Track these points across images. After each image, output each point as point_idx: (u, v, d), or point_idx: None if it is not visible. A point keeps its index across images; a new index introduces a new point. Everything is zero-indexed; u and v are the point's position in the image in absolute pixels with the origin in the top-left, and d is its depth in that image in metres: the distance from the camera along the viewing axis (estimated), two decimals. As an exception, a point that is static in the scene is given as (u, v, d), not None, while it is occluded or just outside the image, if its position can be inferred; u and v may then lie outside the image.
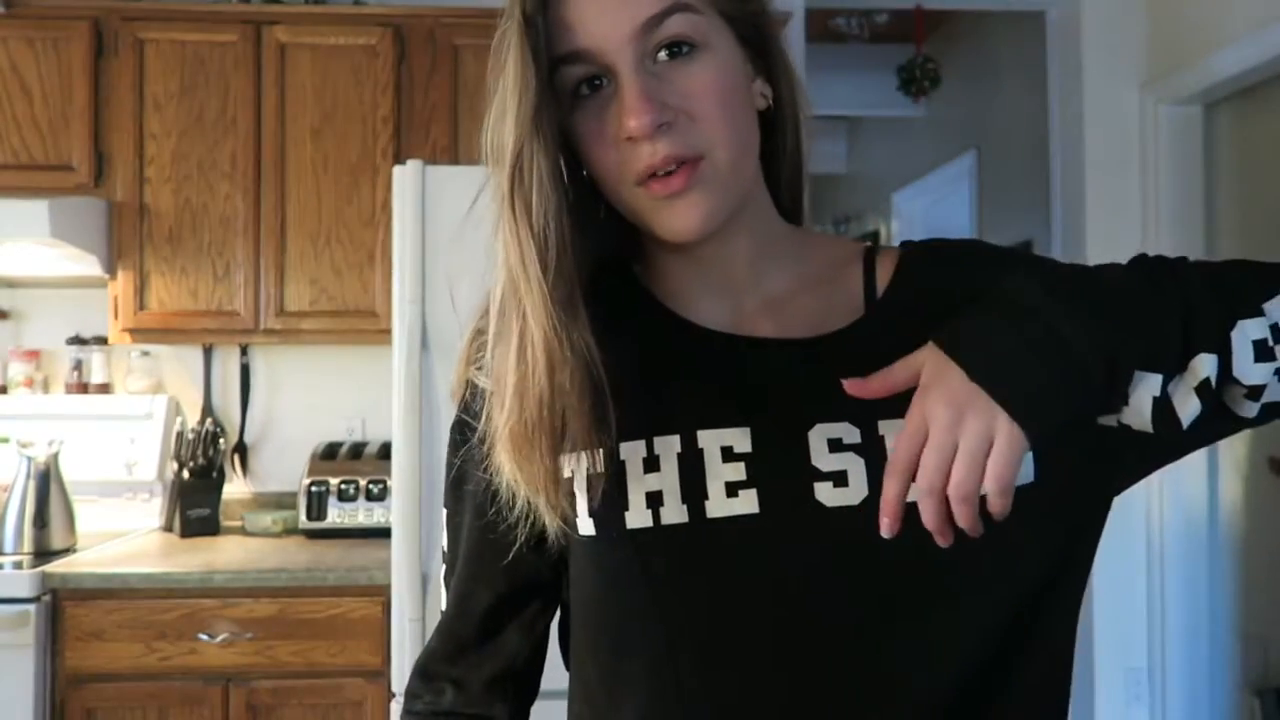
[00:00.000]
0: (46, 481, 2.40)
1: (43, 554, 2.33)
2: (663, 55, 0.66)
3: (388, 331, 2.38)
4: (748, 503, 0.68)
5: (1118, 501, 0.73)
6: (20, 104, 2.52)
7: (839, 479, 0.67)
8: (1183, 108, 2.80)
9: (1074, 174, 2.97)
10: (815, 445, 0.68)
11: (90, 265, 2.49)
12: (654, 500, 0.69)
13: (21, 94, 2.52)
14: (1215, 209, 2.83)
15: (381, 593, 2.20)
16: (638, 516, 0.69)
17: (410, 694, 0.82)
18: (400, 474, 1.99)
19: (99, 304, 2.67)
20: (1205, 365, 0.61)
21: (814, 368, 0.71)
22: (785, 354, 0.72)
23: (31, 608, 2.13)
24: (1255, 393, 0.63)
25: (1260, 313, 0.62)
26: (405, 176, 2.02)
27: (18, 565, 2.25)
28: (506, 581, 0.78)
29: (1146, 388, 0.61)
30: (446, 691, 0.80)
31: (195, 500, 2.61)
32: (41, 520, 2.38)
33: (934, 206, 4.57)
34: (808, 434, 0.68)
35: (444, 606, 0.83)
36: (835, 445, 0.68)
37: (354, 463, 2.64)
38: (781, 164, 0.77)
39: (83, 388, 2.78)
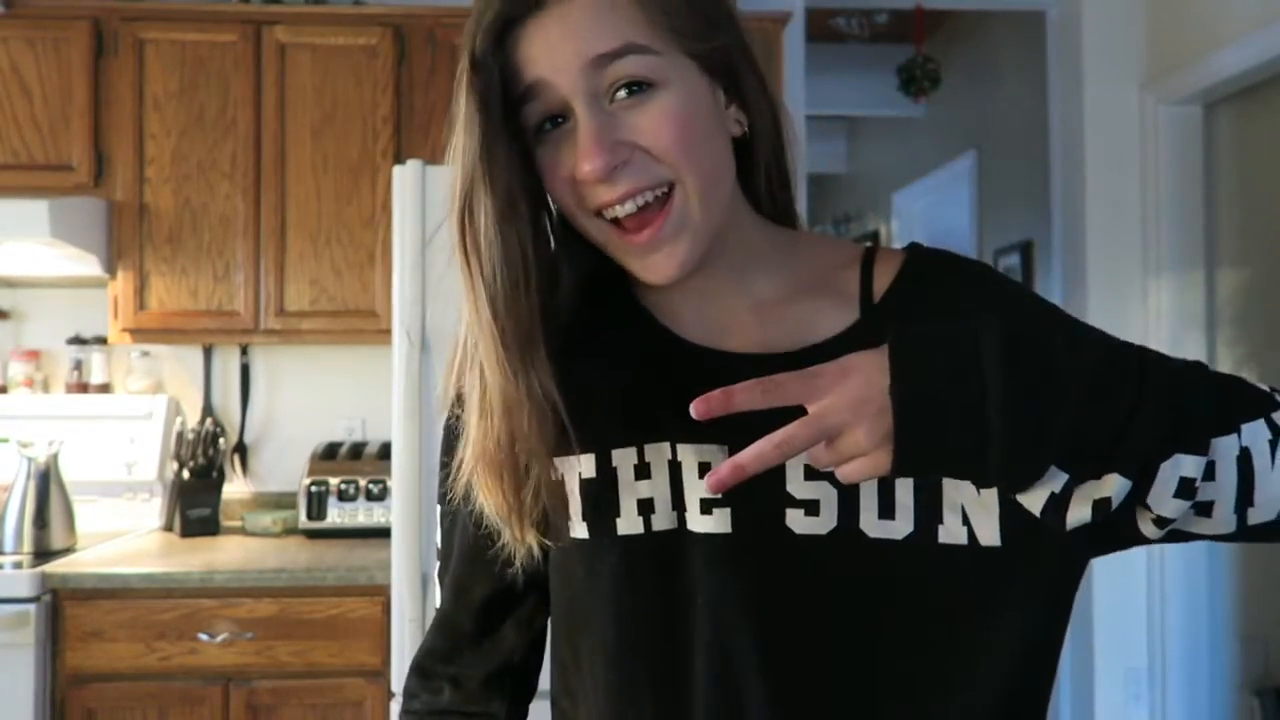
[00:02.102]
0: (46, 481, 2.40)
1: (43, 554, 2.33)
2: (621, 94, 0.65)
3: (388, 331, 2.38)
4: (720, 522, 0.68)
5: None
6: (20, 104, 2.52)
7: (810, 507, 0.67)
8: (1183, 108, 2.79)
9: (1074, 174, 2.97)
10: (791, 471, 0.67)
11: (90, 265, 2.49)
12: (645, 507, 0.69)
13: (21, 94, 2.52)
14: (1215, 209, 2.83)
15: (381, 593, 2.20)
16: (629, 523, 0.70)
17: (408, 693, 0.83)
18: (400, 474, 1.99)
19: (99, 304, 2.67)
20: (1113, 486, 0.58)
21: None
22: (768, 371, 0.71)
23: (31, 608, 2.13)
24: (1162, 522, 0.60)
25: (1203, 449, 0.58)
26: (405, 176, 2.02)
27: (18, 565, 2.25)
28: (501, 577, 0.78)
29: (1050, 482, 0.58)
30: (444, 690, 0.81)
31: (195, 500, 2.61)
32: (41, 520, 2.38)
33: (934, 207, 4.57)
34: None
35: (438, 603, 0.83)
36: (811, 472, 0.67)
37: (354, 463, 2.64)
38: (758, 179, 0.75)
39: (83, 388, 2.78)
